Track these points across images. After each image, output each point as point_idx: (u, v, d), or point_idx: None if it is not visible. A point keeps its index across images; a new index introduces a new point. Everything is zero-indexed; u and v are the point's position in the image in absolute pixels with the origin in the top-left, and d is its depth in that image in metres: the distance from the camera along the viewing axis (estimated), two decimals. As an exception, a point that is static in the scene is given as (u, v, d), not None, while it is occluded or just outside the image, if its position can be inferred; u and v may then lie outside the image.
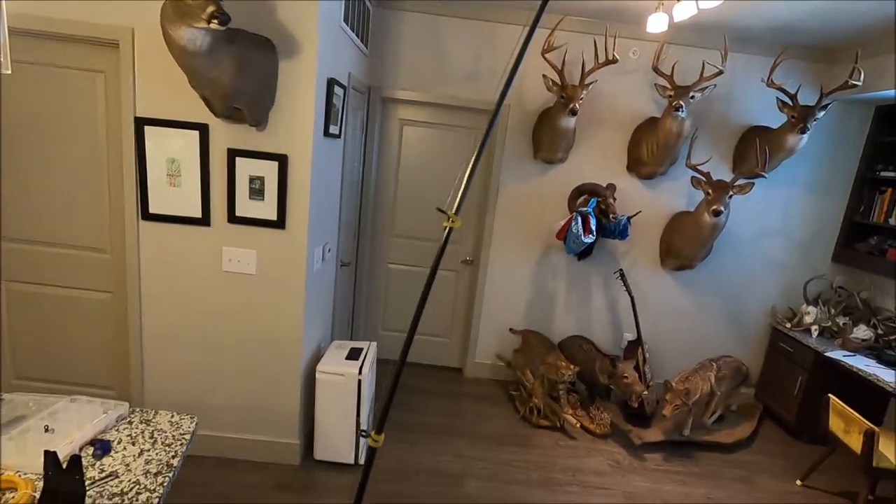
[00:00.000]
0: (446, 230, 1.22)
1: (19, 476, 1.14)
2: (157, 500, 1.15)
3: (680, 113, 3.06)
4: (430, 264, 3.96)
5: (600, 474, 2.79)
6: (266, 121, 2.24)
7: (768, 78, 3.06)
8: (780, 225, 3.62)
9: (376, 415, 2.97)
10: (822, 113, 3.00)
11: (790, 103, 3.06)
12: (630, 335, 3.72)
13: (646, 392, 3.05)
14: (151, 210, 2.32)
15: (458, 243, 3.73)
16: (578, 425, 3.15)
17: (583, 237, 3.18)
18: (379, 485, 2.49)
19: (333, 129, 2.57)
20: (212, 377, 2.50)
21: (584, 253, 3.52)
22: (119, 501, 1.13)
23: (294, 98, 2.21)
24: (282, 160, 2.26)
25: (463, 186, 1.27)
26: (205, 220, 2.33)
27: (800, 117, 3.01)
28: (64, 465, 1.01)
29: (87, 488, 1.06)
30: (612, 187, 3.43)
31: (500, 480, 2.64)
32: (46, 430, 1.29)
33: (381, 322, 3.88)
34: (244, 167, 2.28)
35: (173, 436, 1.38)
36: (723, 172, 3.48)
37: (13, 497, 1.09)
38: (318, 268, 2.62)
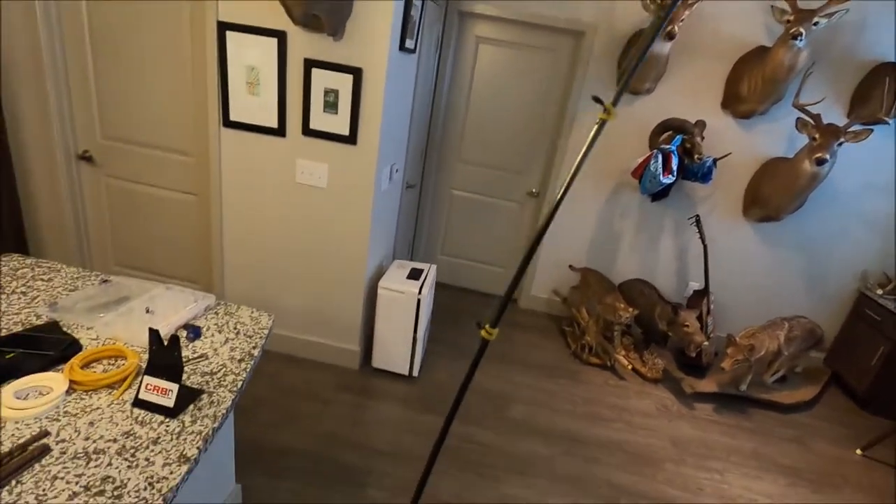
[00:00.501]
0: (599, 123, 1.02)
1: (127, 347, 1.29)
2: (240, 382, 1.27)
3: (797, 42, 2.68)
4: (494, 194, 3.89)
5: (647, 416, 2.81)
6: (343, 30, 2.17)
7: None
8: (888, 181, 3.21)
9: (431, 336, 3.09)
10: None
11: (940, 36, 2.59)
12: (696, 284, 3.57)
13: (706, 343, 2.96)
14: (232, 118, 2.39)
15: (525, 174, 3.62)
16: (630, 367, 3.15)
17: (661, 177, 2.98)
18: (432, 396, 2.65)
19: (409, 44, 2.47)
20: (284, 281, 2.67)
21: (660, 194, 3.32)
22: (209, 379, 1.26)
23: (372, 7, 2.12)
24: (356, 73, 2.22)
25: (629, 73, 1.09)
26: (280, 131, 2.38)
27: (948, 54, 2.55)
28: (165, 343, 1.13)
29: (184, 365, 1.18)
30: (701, 124, 3.13)
31: (546, 407, 2.73)
32: (147, 311, 1.44)
33: (440, 246, 3.94)
34: (320, 79, 2.26)
35: (253, 329, 1.50)
36: (835, 116, 3.08)
37: (124, 364, 1.24)
38: (386, 187, 2.65)
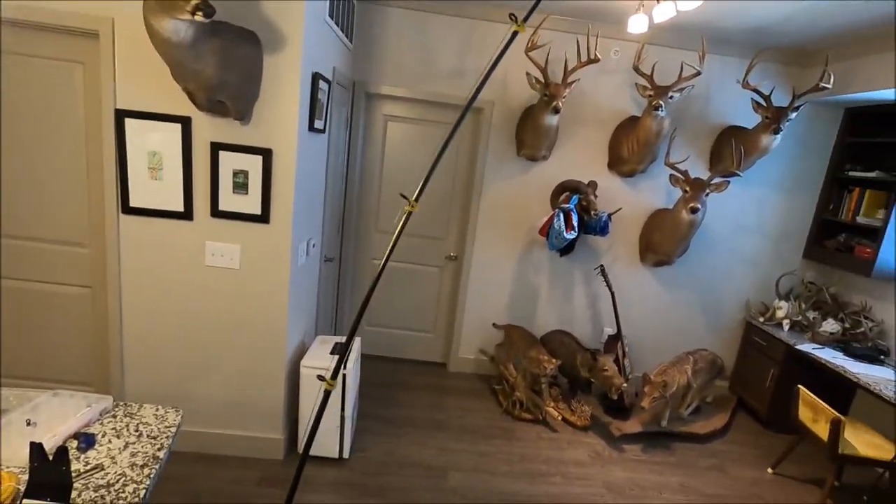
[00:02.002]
0: (405, 215, 1.28)
1: (2, 469, 1.13)
2: (143, 491, 1.15)
3: (659, 112, 3.13)
4: (415, 260, 3.98)
5: (581, 465, 2.85)
6: (250, 114, 2.23)
7: (744, 79, 3.15)
8: (754, 222, 3.74)
9: (351, 418, 2.98)
10: (795, 114, 3.11)
11: (764, 104, 3.16)
12: (610, 329, 3.80)
13: (625, 385, 3.12)
14: (132, 203, 2.29)
15: (443, 239, 3.76)
16: (560, 418, 3.21)
17: (565, 233, 3.23)
18: (366, 478, 2.51)
19: (318, 124, 2.56)
20: (194, 372, 2.48)
21: (566, 249, 3.58)
22: (105, 493, 1.13)
23: (279, 92, 2.21)
24: (266, 154, 2.26)
25: (426, 176, 1.32)
26: (187, 214, 2.31)
27: (773, 118, 3.11)
28: (50, 457, 1.01)
29: (73, 480, 1.06)
30: (593, 184, 3.50)
31: (484, 472, 2.68)
32: (28, 424, 1.28)
33: (365, 317, 3.87)
34: (228, 161, 2.26)
35: (158, 428, 1.38)
36: (700, 170, 3.58)
37: (-3, 490, 1.08)
38: (303, 262, 2.62)
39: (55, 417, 1.31)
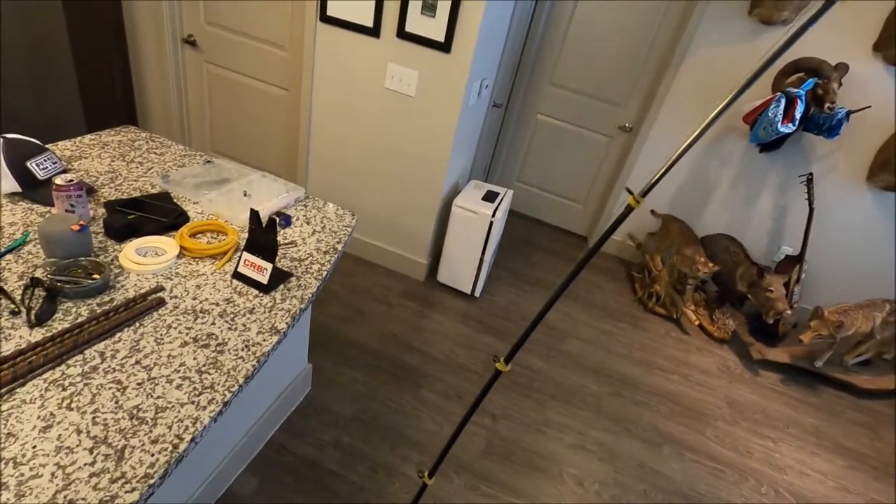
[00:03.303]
0: (625, 206, 0.97)
1: (228, 224, 1.40)
2: (325, 272, 1.35)
3: None
4: (585, 123, 3.67)
5: (706, 373, 2.75)
6: (454, -79, 2.00)
7: None
8: None
9: (492, 271, 3.11)
10: None
11: None
12: (790, 249, 3.29)
13: (788, 311, 2.77)
14: (329, 12, 2.34)
15: (622, 106, 3.35)
16: (697, 323, 3.03)
17: (780, 125, 2.65)
18: (491, 318, 2.72)
19: (522, -58, 2.24)
20: (363, 185, 2.73)
21: (772, 145, 2.97)
22: (298, 265, 1.35)
23: None
24: (462, -27, 2.07)
25: (660, 173, 0.96)
26: (375, 31, 2.31)
27: None
28: (263, 224, 1.21)
29: (278, 247, 1.27)
30: (842, 68, 2.70)
31: (601, 348, 2.73)
32: (245, 195, 1.53)
33: (518, 173, 3.83)
34: (422, -24, 2.13)
35: (338, 225, 1.56)
36: None
37: (225, 238, 1.35)
38: (473, 103, 2.55)
39: (264, 194, 1.55)
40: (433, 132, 2.45)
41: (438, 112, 2.40)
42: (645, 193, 0.98)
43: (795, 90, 2.65)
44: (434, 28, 2.23)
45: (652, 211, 3.46)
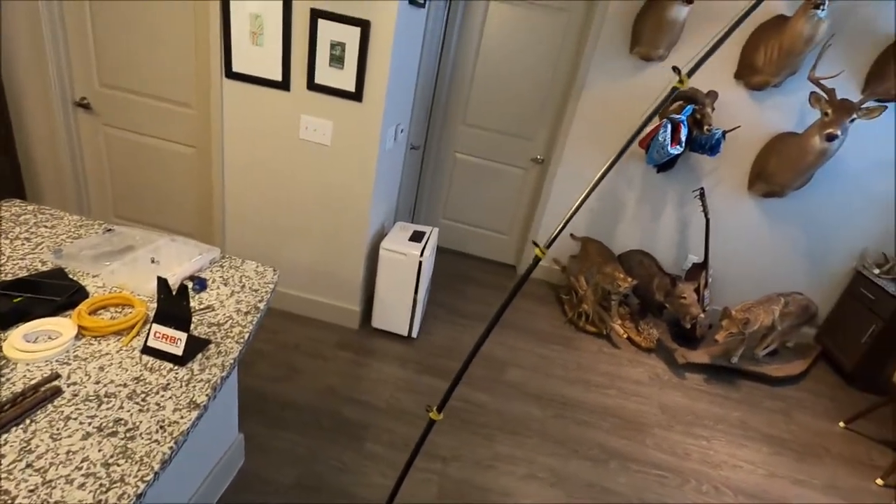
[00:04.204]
0: (534, 259, 1.04)
1: (133, 296, 1.30)
2: (247, 334, 1.28)
3: (819, 12, 2.59)
4: (499, 158, 3.85)
5: (639, 383, 2.88)
6: (352, -21, 2.09)
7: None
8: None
9: (424, 313, 3.11)
10: None
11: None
12: (696, 258, 3.59)
13: (702, 315, 3.00)
14: (235, 68, 2.32)
15: (531, 140, 3.57)
16: (625, 336, 3.20)
17: (669, 147, 2.94)
18: (430, 358, 2.69)
19: (420, -3, 2.38)
20: (286, 237, 2.66)
21: (666, 165, 3.29)
22: (216, 330, 1.27)
23: (383, -46, 2.03)
24: (365, 26, 2.15)
25: (566, 219, 1.05)
26: (285, 84, 2.32)
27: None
28: (173, 292, 1.13)
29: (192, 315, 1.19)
30: (713, 95, 3.08)
31: (541, 373, 2.78)
32: (153, 262, 1.43)
33: (442, 210, 3.92)
34: (326, 30, 2.18)
35: (259, 283, 1.50)
36: (848, 92, 3.02)
37: (131, 312, 1.24)
38: (390, 147, 2.61)
39: (174, 259, 1.46)
40: (353, 179, 2.46)
41: (356, 159, 2.42)
42: (549, 245, 1.04)
43: (678, 116, 2.96)
44: (344, 78, 2.28)
45: (571, 235, 3.66)
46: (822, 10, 2.58)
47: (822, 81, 2.77)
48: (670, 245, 3.65)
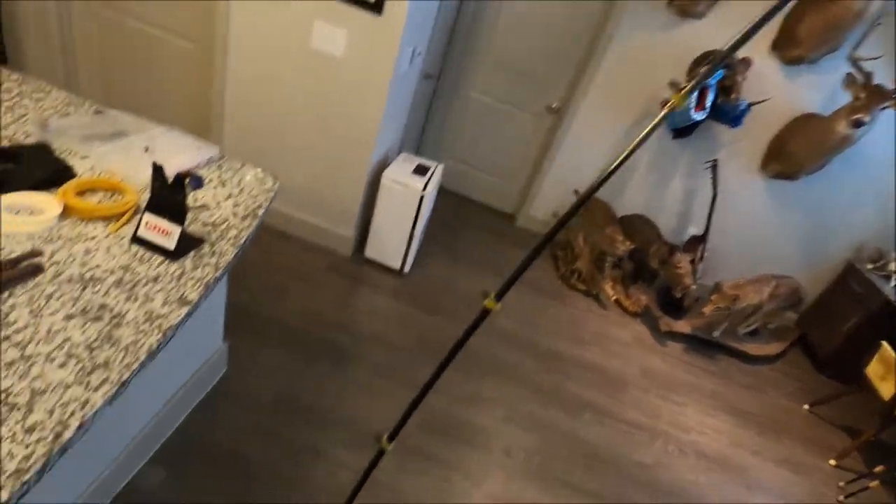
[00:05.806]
0: (483, 310, 0.90)
1: (125, 183, 1.21)
2: (244, 238, 1.22)
3: (878, -16, 2.43)
4: (513, 101, 3.66)
5: (623, 345, 2.91)
6: None
7: None
8: (917, 157, 3.12)
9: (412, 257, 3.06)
10: None
11: None
12: (696, 230, 3.55)
13: (693, 287, 3.01)
14: (247, -44, 2.11)
15: (549, 86, 3.40)
16: (614, 298, 3.21)
17: (692, 112, 2.82)
18: (421, 293, 2.67)
19: None
20: (286, 153, 2.53)
21: (684, 131, 3.17)
22: (211, 230, 1.20)
23: None
24: (396, -73, 1.95)
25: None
26: (301, -17, 2.12)
27: None
28: (169, 182, 1.05)
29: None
30: (746, 62, 2.93)
31: (528, 323, 2.79)
32: (146, 150, 1.33)
33: (449, 149, 3.77)
34: (353, -74, 1.98)
35: (259, 189, 1.42)
36: (882, 79, 2.89)
37: (121, 198, 1.16)
38: (404, 70, 2.45)
39: (169, 150, 1.36)
40: (362, 98, 2.32)
41: (368, 76, 2.27)
42: (500, 296, 0.98)
43: (707, 80, 2.82)
44: (365, -15, 2.09)
45: (575, 191, 3.58)
46: (881, -17, 2.42)
47: (861, 62, 2.65)
48: (673, 214, 3.61)
